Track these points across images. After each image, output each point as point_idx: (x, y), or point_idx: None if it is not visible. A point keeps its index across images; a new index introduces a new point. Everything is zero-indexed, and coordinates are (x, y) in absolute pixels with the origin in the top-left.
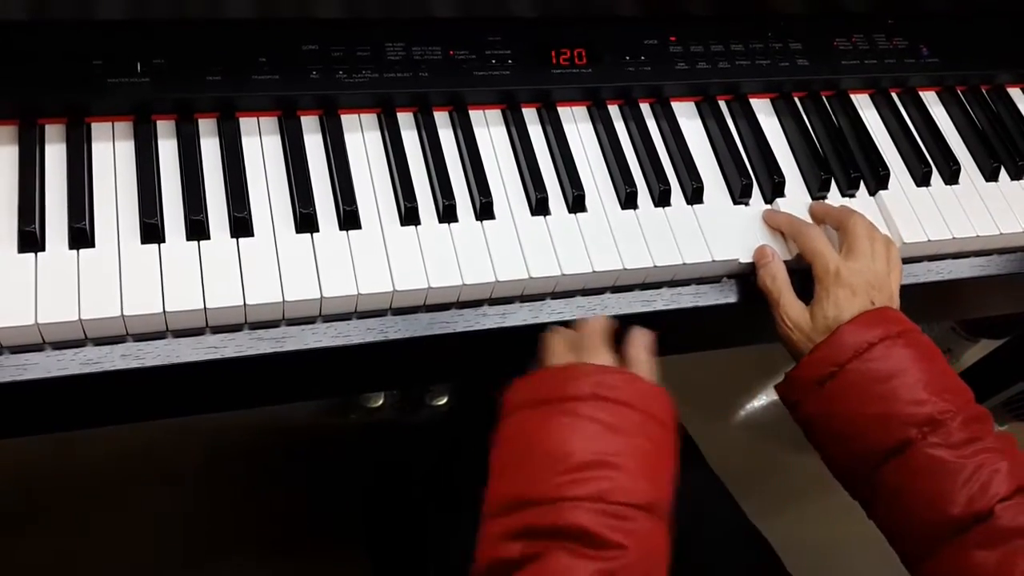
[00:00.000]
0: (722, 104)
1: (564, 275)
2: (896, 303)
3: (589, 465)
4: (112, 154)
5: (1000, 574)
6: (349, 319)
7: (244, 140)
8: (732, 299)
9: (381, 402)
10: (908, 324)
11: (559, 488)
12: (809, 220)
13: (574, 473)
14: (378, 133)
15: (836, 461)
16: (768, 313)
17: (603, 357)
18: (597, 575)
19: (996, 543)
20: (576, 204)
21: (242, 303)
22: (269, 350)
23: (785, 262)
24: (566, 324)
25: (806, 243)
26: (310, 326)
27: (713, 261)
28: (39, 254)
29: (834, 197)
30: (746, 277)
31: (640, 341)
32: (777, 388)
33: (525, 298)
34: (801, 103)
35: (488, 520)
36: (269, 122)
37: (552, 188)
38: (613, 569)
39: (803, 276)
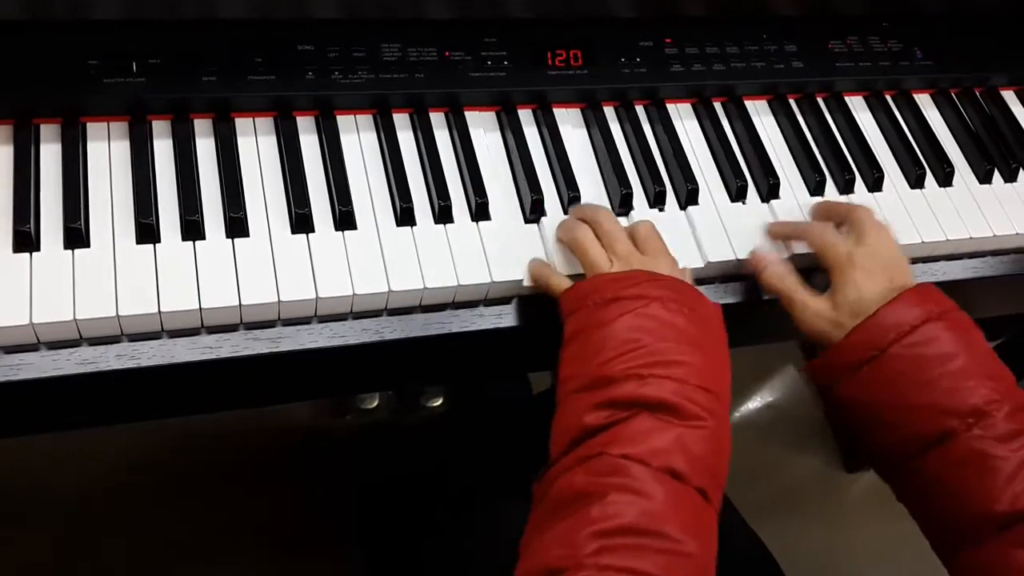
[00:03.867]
0: (717, 106)
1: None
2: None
3: (666, 351)
4: (107, 154)
5: None
6: (345, 319)
7: (240, 140)
8: (727, 301)
9: (376, 403)
10: (948, 303)
11: (640, 368)
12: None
13: (653, 356)
14: (374, 134)
15: (869, 445)
16: (768, 314)
17: (665, 260)
18: (679, 439)
19: None
20: (571, 205)
21: (238, 303)
22: (265, 350)
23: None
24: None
25: (814, 239)
26: (306, 326)
27: (707, 263)
28: (34, 254)
29: (829, 199)
30: (740, 279)
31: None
32: (807, 369)
33: (521, 299)
34: (796, 105)
35: (568, 397)
36: (265, 123)
37: (548, 189)
38: (695, 437)
39: (806, 273)
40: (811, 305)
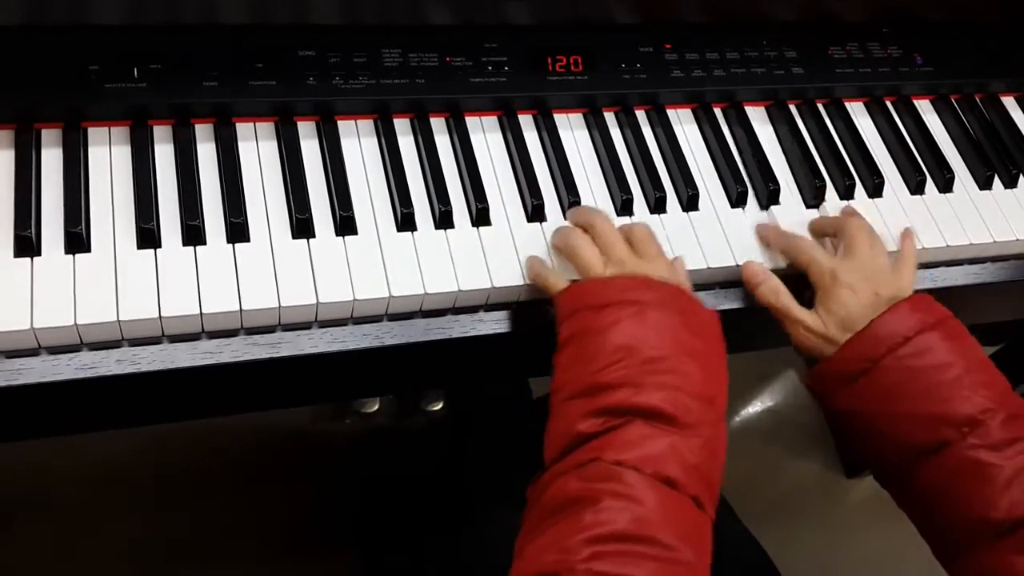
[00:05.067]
0: (717, 111)
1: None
2: (909, 293)
3: (661, 359)
4: (108, 159)
5: None
6: (345, 325)
7: (241, 145)
8: (726, 306)
9: (377, 407)
10: (943, 311)
11: (634, 376)
12: (804, 234)
13: (647, 365)
14: (375, 139)
15: (867, 455)
16: (767, 319)
17: (661, 264)
18: (672, 446)
19: None
20: (571, 210)
21: (238, 308)
22: (265, 355)
23: (777, 270)
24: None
25: (798, 256)
26: (306, 331)
27: (708, 268)
28: (35, 259)
29: (829, 204)
30: (740, 284)
31: (682, 263)
32: (805, 379)
33: (521, 304)
34: (796, 111)
35: (562, 404)
36: (266, 127)
37: (548, 195)
38: (690, 445)
39: (798, 280)
40: (804, 321)
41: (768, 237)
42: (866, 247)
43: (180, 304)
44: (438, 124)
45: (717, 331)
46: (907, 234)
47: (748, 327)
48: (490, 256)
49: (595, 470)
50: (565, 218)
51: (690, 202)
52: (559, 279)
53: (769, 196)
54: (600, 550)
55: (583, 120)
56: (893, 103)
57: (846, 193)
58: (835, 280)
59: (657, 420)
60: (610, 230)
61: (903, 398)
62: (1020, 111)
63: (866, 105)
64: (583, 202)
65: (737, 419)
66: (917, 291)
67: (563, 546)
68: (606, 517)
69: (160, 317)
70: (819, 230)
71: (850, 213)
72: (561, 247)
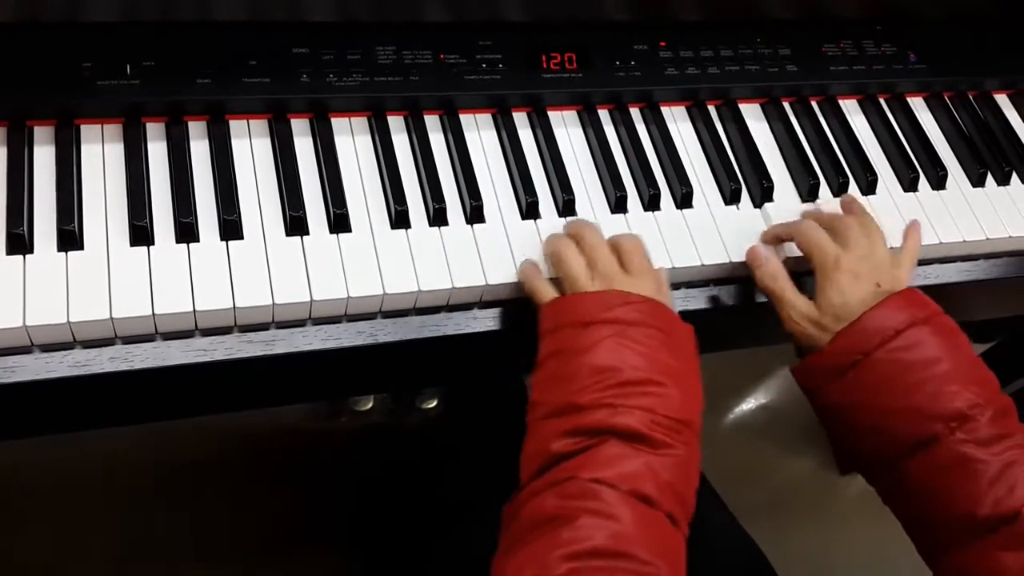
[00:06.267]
0: (712, 109)
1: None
2: (904, 286)
3: (637, 382)
4: (101, 156)
5: None
6: (339, 322)
7: (234, 143)
8: (721, 303)
9: (371, 405)
10: (933, 307)
11: (610, 398)
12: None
13: (623, 387)
14: (368, 136)
15: (855, 449)
16: (762, 316)
17: (648, 280)
18: (648, 465)
19: (1022, 546)
20: (566, 208)
21: (231, 306)
22: (259, 353)
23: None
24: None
25: (803, 237)
26: (300, 329)
27: (702, 265)
28: (27, 256)
29: (823, 202)
30: (734, 281)
31: (664, 275)
32: (794, 373)
33: (515, 302)
34: (790, 108)
35: (537, 424)
36: (259, 125)
37: (542, 192)
38: (664, 464)
39: (798, 278)
40: (798, 306)
41: (774, 234)
42: (865, 239)
43: (173, 301)
44: (432, 122)
45: (693, 348)
46: (914, 227)
47: (742, 324)
48: (484, 254)
49: (572, 488)
50: (560, 215)
51: (684, 199)
52: (549, 289)
53: (763, 193)
54: (578, 566)
55: (577, 118)
56: (887, 101)
57: (839, 190)
58: (837, 266)
59: (632, 440)
60: (598, 242)
61: (892, 392)
62: (1013, 109)
63: (860, 103)
64: (578, 200)
65: (731, 416)
66: (908, 288)
67: (541, 562)
68: (583, 534)
69: (153, 314)
70: (813, 219)
71: (848, 202)
72: (549, 254)
